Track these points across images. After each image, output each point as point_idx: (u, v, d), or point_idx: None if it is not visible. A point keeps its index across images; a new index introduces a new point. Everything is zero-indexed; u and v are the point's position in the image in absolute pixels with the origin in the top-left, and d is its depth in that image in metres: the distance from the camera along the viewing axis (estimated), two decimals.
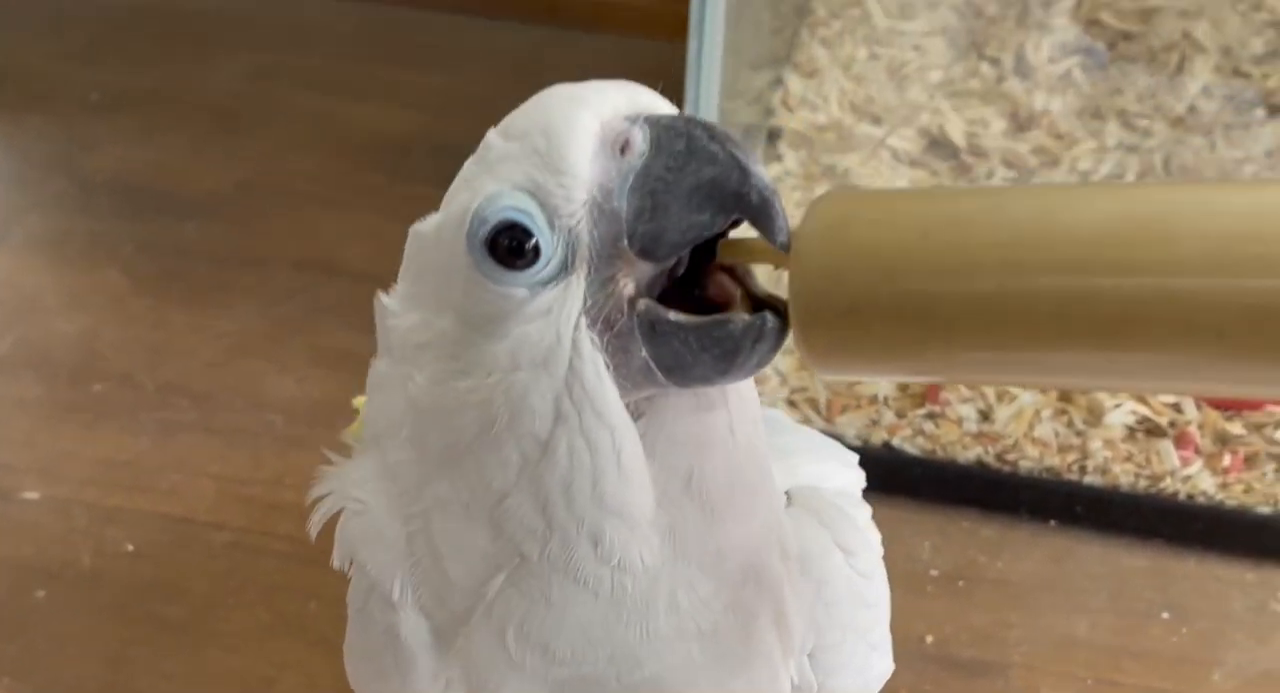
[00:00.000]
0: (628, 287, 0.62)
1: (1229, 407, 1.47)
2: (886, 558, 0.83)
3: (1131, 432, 1.46)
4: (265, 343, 1.68)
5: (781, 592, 0.73)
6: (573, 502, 0.63)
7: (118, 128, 2.10)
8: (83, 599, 1.32)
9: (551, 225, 0.61)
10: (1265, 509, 1.42)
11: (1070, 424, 1.47)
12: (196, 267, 1.81)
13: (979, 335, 0.55)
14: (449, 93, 2.25)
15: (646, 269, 0.62)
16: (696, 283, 0.63)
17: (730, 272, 0.63)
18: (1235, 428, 1.45)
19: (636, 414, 0.64)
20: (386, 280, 1.99)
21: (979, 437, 1.46)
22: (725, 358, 0.61)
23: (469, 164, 0.66)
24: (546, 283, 0.62)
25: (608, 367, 0.62)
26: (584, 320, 0.62)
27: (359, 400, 0.84)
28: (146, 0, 2.41)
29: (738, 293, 0.62)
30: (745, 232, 0.62)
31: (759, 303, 0.62)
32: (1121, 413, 1.46)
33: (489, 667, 0.69)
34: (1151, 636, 1.35)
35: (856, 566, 0.78)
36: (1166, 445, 1.44)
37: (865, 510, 0.87)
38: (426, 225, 0.68)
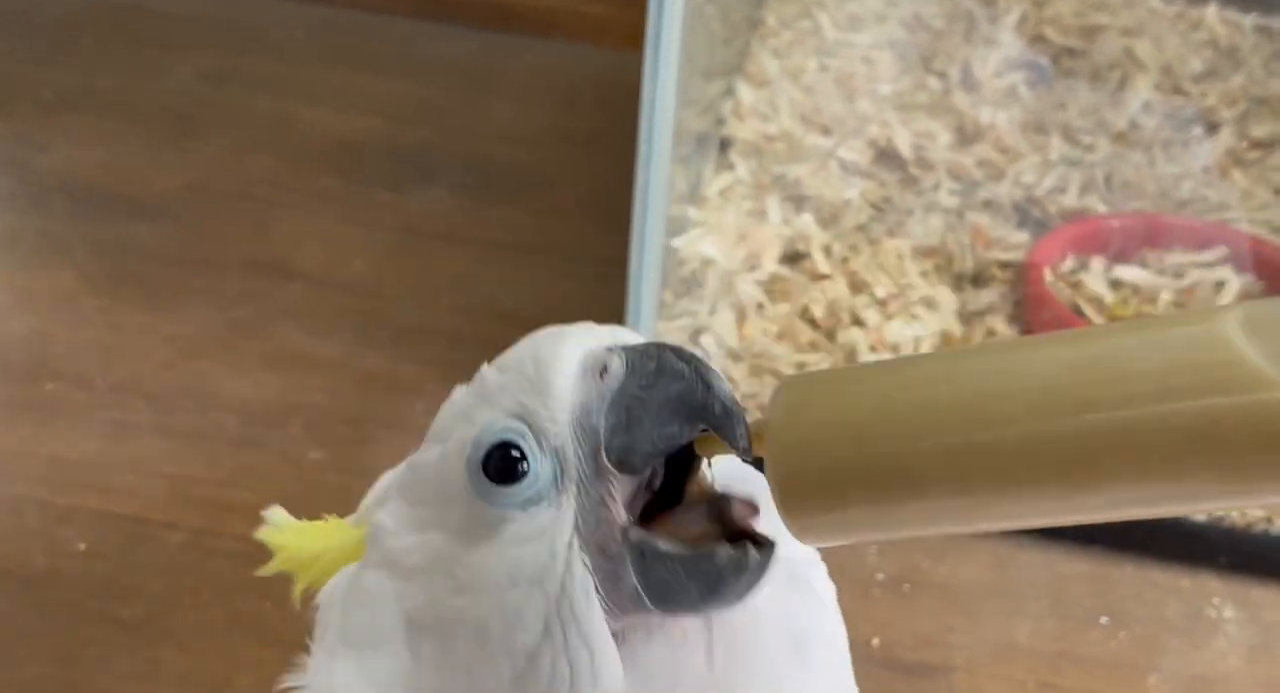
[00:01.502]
0: (619, 513, 0.65)
1: None
2: (834, 563, 0.85)
3: None
4: (218, 345, 1.68)
5: None
6: None
7: (71, 129, 2.09)
8: (35, 599, 1.32)
9: (540, 445, 0.65)
10: (1201, 518, 1.46)
11: None
12: (149, 268, 1.81)
13: (952, 488, 0.58)
14: (404, 97, 2.26)
15: (628, 484, 0.65)
16: (677, 502, 0.67)
17: (714, 500, 0.66)
18: None
19: (620, 640, 0.66)
20: (340, 283, 2.00)
21: None
22: (710, 588, 0.63)
23: (463, 397, 0.70)
24: (538, 502, 0.65)
25: (598, 590, 0.65)
26: (576, 541, 0.65)
27: (269, 535, 0.85)
28: (101, 1, 2.40)
29: (715, 527, 0.65)
30: None
31: (738, 532, 0.65)
32: None
33: None
34: (1090, 640, 1.38)
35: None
36: None
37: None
38: (428, 456, 0.71)
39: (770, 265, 1.65)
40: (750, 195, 1.80)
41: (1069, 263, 1.71)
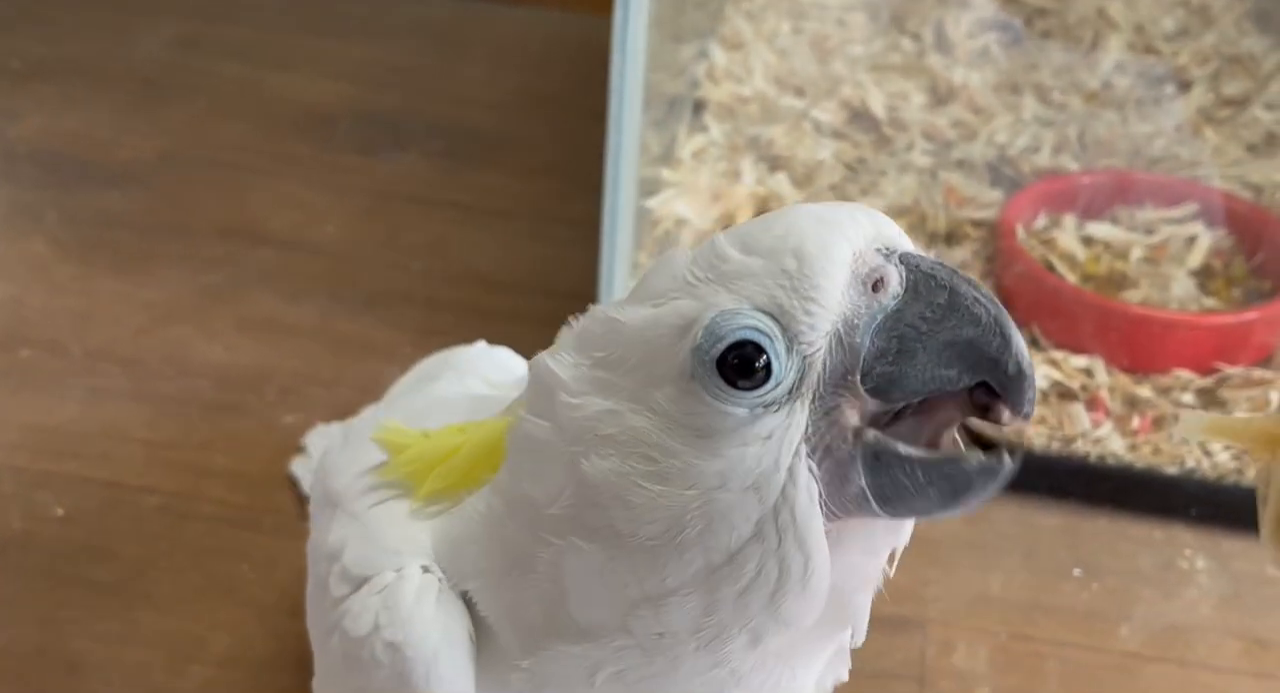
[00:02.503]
0: (853, 417, 0.61)
1: (1138, 370, 1.52)
2: None
3: (1044, 395, 1.50)
4: (192, 311, 1.67)
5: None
6: (746, 608, 0.63)
7: (40, 96, 2.08)
8: (13, 563, 1.31)
9: (789, 350, 0.60)
10: (1172, 470, 1.47)
11: None
12: (122, 235, 1.80)
13: None
14: (374, 63, 2.25)
15: (872, 404, 0.61)
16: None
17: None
18: (1144, 391, 1.50)
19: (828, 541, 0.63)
20: (312, 248, 1.99)
21: None
22: (952, 495, 0.61)
23: (688, 264, 0.64)
24: (769, 406, 0.60)
25: (820, 495, 0.61)
26: (804, 447, 0.61)
27: (390, 436, 0.81)
28: None
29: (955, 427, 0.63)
30: None
31: (974, 438, 0.62)
32: (1035, 377, 1.50)
33: (563, 685, 0.70)
34: (1063, 592, 1.39)
35: None
36: (1078, 408, 1.49)
37: None
38: (625, 314, 0.65)
39: None
40: (724, 157, 1.80)
41: (1041, 220, 1.71)
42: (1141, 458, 1.47)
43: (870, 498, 0.61)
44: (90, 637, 1.25)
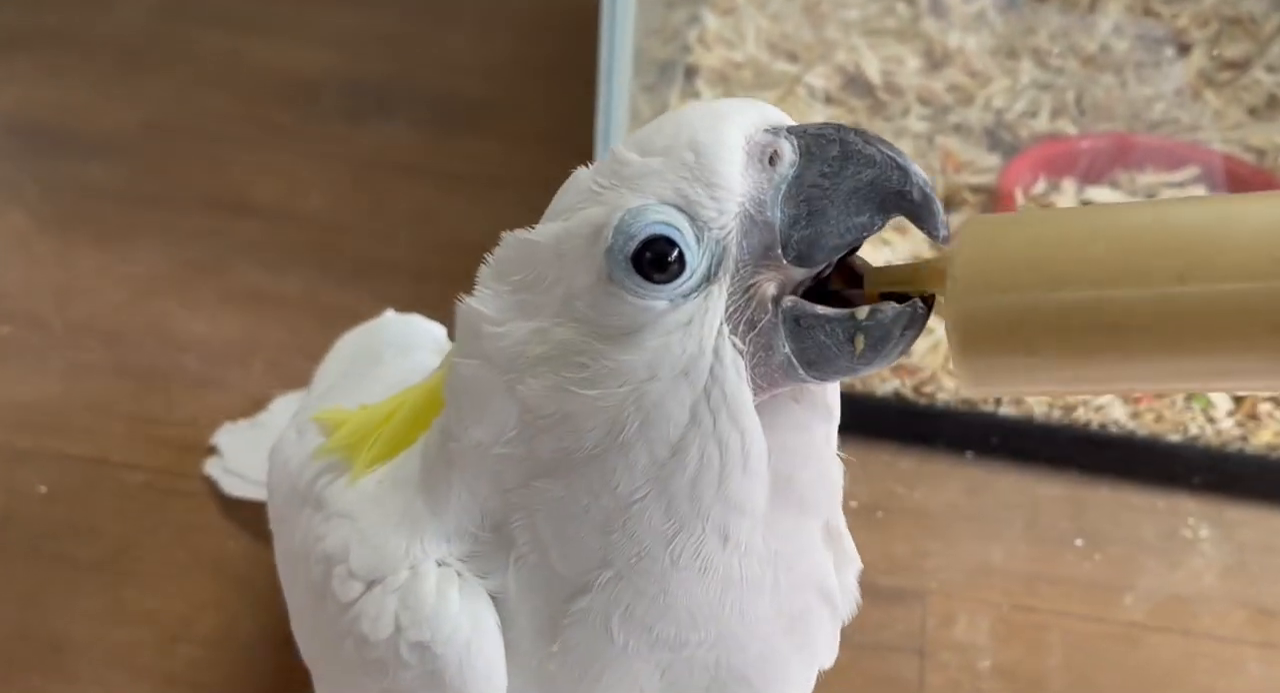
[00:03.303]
0: (769, 287, 0.63)
1: None
2: None
3: None
4: (175, 283, 1.64)
5: (831, 574, 0.77)
6: (699, 499, 0.64)
7: (18, 67, 2.04)
8: None
9: (699, 239, 0.62)
10: (1175, 438, 1.45)
11: None
12: (103, 207, 1.77)
13: (1154, 340, 0.55)
14: (358, 31, 2.21)
15: (795, 274, 0.63)
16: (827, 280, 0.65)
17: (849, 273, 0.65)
18: None
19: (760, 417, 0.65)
20: (298, 218, 1.96)
21: (896, 370, 1.48)
22: (874, 347, 0.62)
23: (591, 176, 0.65)
24: (687, 295, 0.62)
25: (747, 369, 0.63)
26: (725, 327, 0.62)
27: (327, 416, 0.82)
28: None
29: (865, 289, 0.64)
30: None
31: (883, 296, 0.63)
32: None
33: (591, 651, 0.70)
34: (1065, 562, 1.37)
35: None
36: None
37: None
38: (538, 235, 0.67)
39: None
40: None
41: (1040, 185, 1.69)
42: (1144, 426, 1.45)
43: (796, 363, 0.63)
44: (74, 616, 1.23)
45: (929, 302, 0.62)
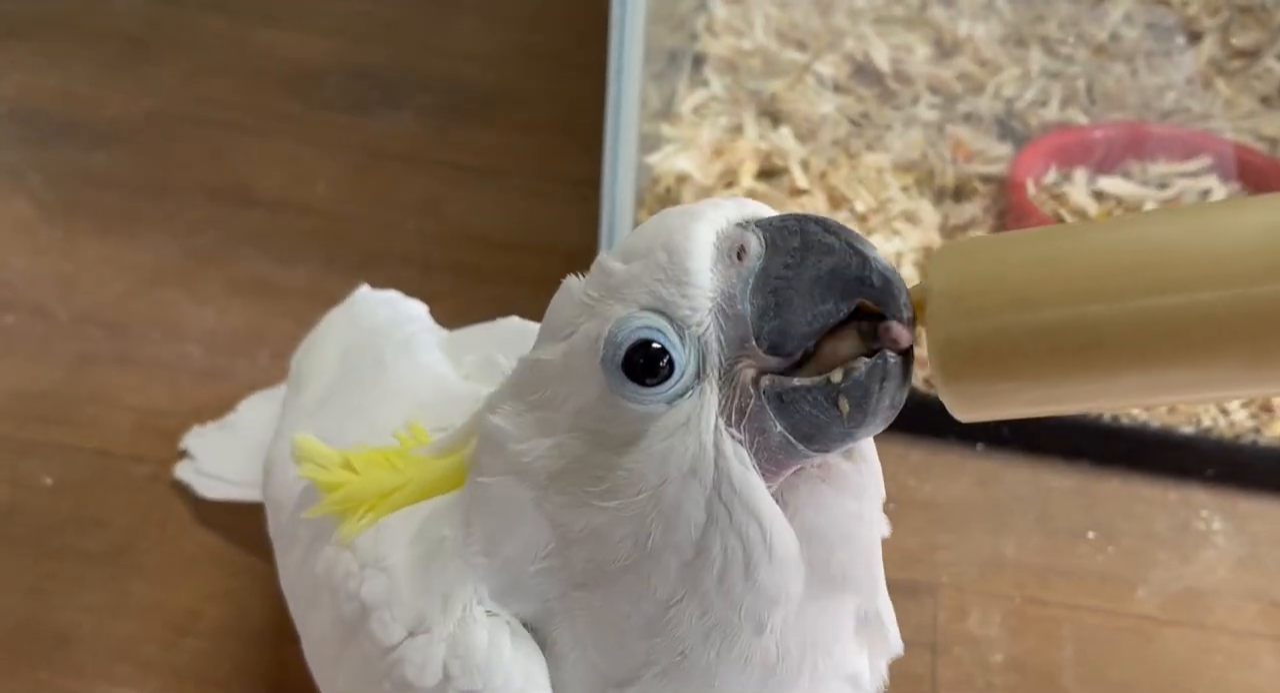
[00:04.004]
0: (748, 371, 0.63)
1: None
2: None
3: None
4: (180, 273, 1.63)
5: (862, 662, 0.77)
6: (730, 593, 0.65)
7: (21, 55, 2.03)
8: (1, 534, 1.28)
9: (682, 338, 0.63)
10: (1188, 429, 1.44)
11: None
12: (107, 196, 1.76)
13: (1129, 355, 0.56)
14: (362, 17, 2.20)
15: (770, 363, 0.63)
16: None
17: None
18: None
19: (781, 503, 0.65)
20: (303, 208, 1.95)
21: None
22: (858, 407, 0.62)
23: (582, 289, 0.67)
24: (682, 394, 0.63)
25: (751, 458, 0.63)
26: (721, 422, 0.63)
27: (319, 475, 0.81)
28: None
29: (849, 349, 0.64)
30: None
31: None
32: None
33: None
34: (1077, 555, 1.36)
35: None
36: None
37: None
38: (544, 353, 0.68)
39: (748, 181, 1.61)
40: (725, 111, 1.75)
41: (1052, 175, 1.67)
42: (1156, 418, 1.44)
43: (793, 440, 0.63)
44: (80, 608, 1.22)
45: (906, 352, 0.62)
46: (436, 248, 1.71)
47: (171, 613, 1.22)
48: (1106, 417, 1.44)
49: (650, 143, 1.61)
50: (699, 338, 0.63)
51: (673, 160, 1.61)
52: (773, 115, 1.74)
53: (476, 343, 0.97)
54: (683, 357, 0.63)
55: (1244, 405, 1.43)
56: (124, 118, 1.91)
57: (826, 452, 0.65)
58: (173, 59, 2.05)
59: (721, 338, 0.63)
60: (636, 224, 1.53)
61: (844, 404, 0.62)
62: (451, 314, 1.55)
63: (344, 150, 1.86)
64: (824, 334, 0.63)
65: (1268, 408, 1.43)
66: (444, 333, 1.05)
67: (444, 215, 1.77)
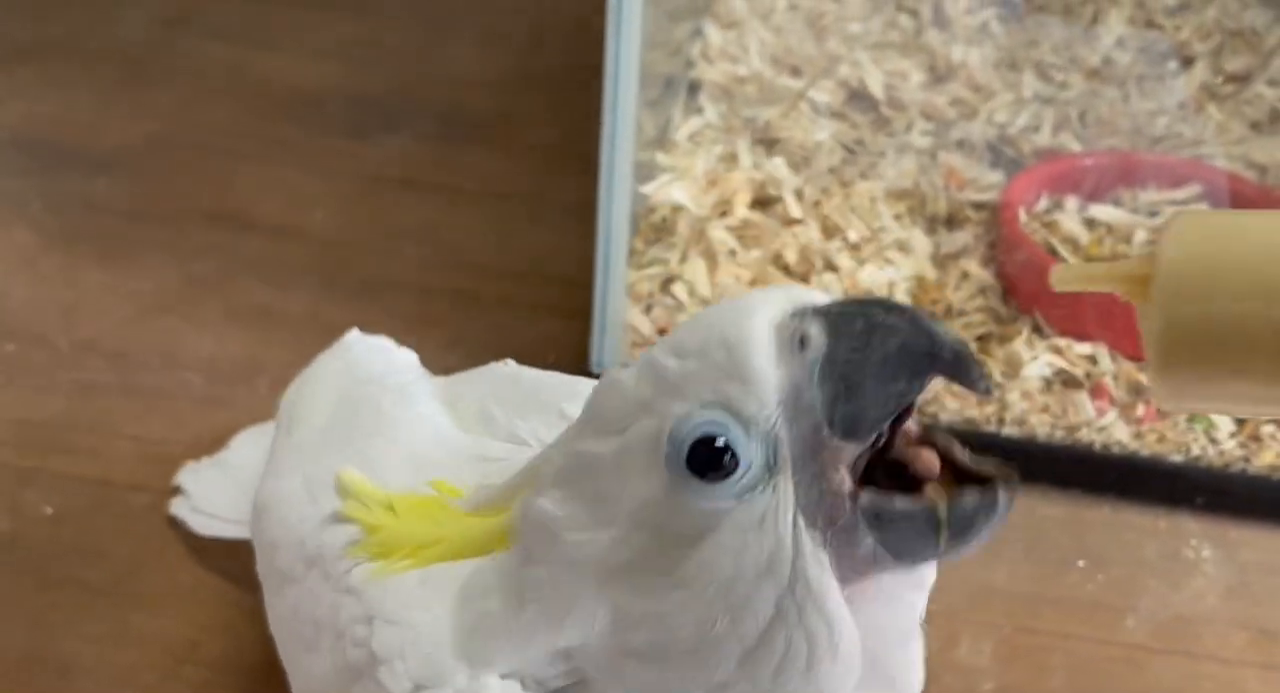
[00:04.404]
0: (844, 481, 0.63)
1: (1143, 357, 1.49)
2: None
3: (1048, 383, 1.49)
4: (181, 300, 1.65)
5: None
6: (785, 684, 0.65)
7: (20, 81, 2.05)
8: (1, 563, 1.29)
9: (748, 433, 0.63)
10: (1177, 458, 1.45)
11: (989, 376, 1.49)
12: (107, 223, 1.77)
13: None
14: (363, 42, 2.22)
15: (851, 451, 0.63)
16: (889, 448, 0.66)
17: (928, 442, 0.66)
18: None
19: (847, 599, 0.65)
20: (303, 234, 1.96)
21: None
22: (958, 536, 0.63)
23: (634, 384, 0.67)
24: (752, 489, 0.63)
25: (830, 562, 0.64)
26: (801, 520, 0.63)
27: (360, 514, 0.83)
28: None
29: (937, 465, 0.65)
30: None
31: (959, 472, 0.64)
32: (1039, 365, 1.48)
33: None
34: (1067, 583, 1.37)
35: None
36: (1082, 397, 1.47)
37: None
38: (597, 447, 0.68)
39: (741, 211, 1.62)
40: (720, 139, 1.77)
41: (1043, 203, 1.69)
42: (1146, 446, 1.45)
43: (884, 554, 0.64)
44: (81, 639, 1.23)
45: (1011, 491, 0.63)
46: (434, 274, 1.72)
47: (171, 643, 1.23)
48: (1097, 445, 1.46)
49: (645, 171, 1.63)
50: (766, 433, 0.63)
51: (668, 190, 1.62)
52: (767, 143, 1.76)
53: (468, 391, 0.96)
54: (747, 452, 0.63)
55: (1233, 434, 1.45)
56: (124, 144, 1.93)
57: (914, 566, 0.66)
58: (172, 85, 2.06)
59: (794, 431, 0.63)
60: (633, 253, 1.55)
61: (943, 534, 0.63)
62: (449, 339, 1.57)
63: (343, 176, 1.88)
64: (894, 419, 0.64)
65: (1256, 437, 1.44)
66: (436, 381, 1.05)
67: (441, 241, 1.78)
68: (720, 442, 0.62)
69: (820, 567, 0.63)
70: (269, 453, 1.09)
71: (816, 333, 0.63)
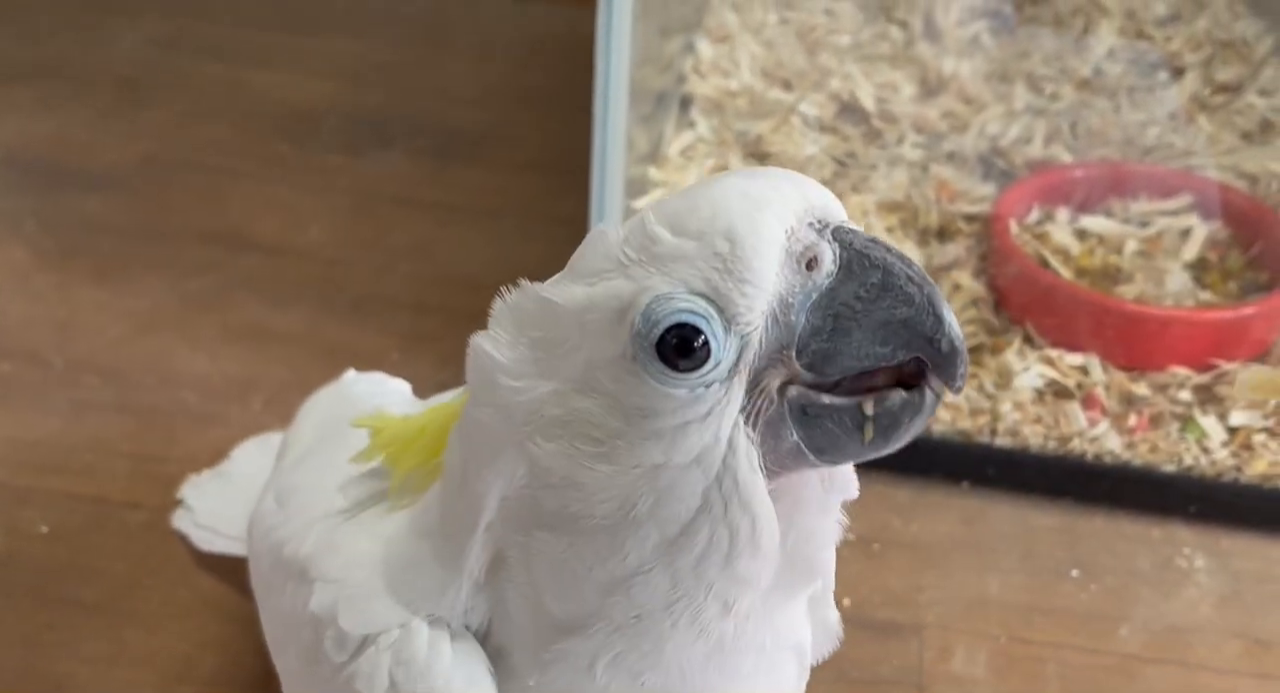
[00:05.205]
0: (777, 379, 0.63)
1: (1135, 367, 1.50)
2: None
3: (1040, 394, 1.49)
4: (175, 319, 1.65)
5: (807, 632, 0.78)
6: (704, 575, 0.65)
7: (15, 100, 2.06)
8: None
9: (727, 331, 0.61)
10: (1169, 468, 1.45)
11: (981, 388, 1.50)
12: (102, 242, 1.78)
13: None
14: (356, 59, 2.23)
15: (802, 376, 0.62)
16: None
17: None
18: (1140, 389, 1.49)
19: (773, 499, 0.64)
20: (297, 252, 1.96)
21: None
22: (883, 434, 0.62)
23: (619, 244, 0.64)
24: (707, 384, 0.61)
25: (759, 458, 0.63)
26: (740, 418, 0.62)
27: (368, 422, 0.83)
28: None
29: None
30: None
31: (899, 378, 0.63)
32: (1030, 376, 1.49)
33: (570, 689, 0.71)
34: (1061, 593, 1.37)
35: None
36: (1074, 407, 1.47)
37: None
38: (560, 294, 0.65)
39: None
40: (712, 153, 1.77)
41: (1034, 214, 1.70)
42: (1138, 456, 1.46)
43: (805, 450, 0.63)
44: (77, 657, 1.23)
45: (938, 390, 0.62)
46: (428, 290, 1.73)
47: (168, 661, 1.23)
48: (1090, 455, 1.46)
49: (638, 186, 1.63)
50: (743, 336, 0.61)
51: None
52: (759, 157, 1.76)
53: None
54: (721, 350, 0.61)
55: (1225, 444, 1.45)
56: (119, 163, 1.94)
57: (834, 465, 0.65)
58: (167, 103, 2.08)
59: (764, 340, 0.62)
60: None
61: (869, 430, 0.62)
62: (444, 355, 1.58)
63: (337, 193, 1.89)
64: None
65: (1248, 446, 1.44)
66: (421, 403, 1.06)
67: (435, 257, 1.79)
68: (699, 334, 0.60)
69: (750, 464, 0.62)
70: (270, 474, 1.10)
71: (829, 261, 0.61)
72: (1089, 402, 1.48)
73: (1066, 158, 1.80)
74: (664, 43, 1.88)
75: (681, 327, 0.60)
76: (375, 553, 0.77)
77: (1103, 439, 1.46)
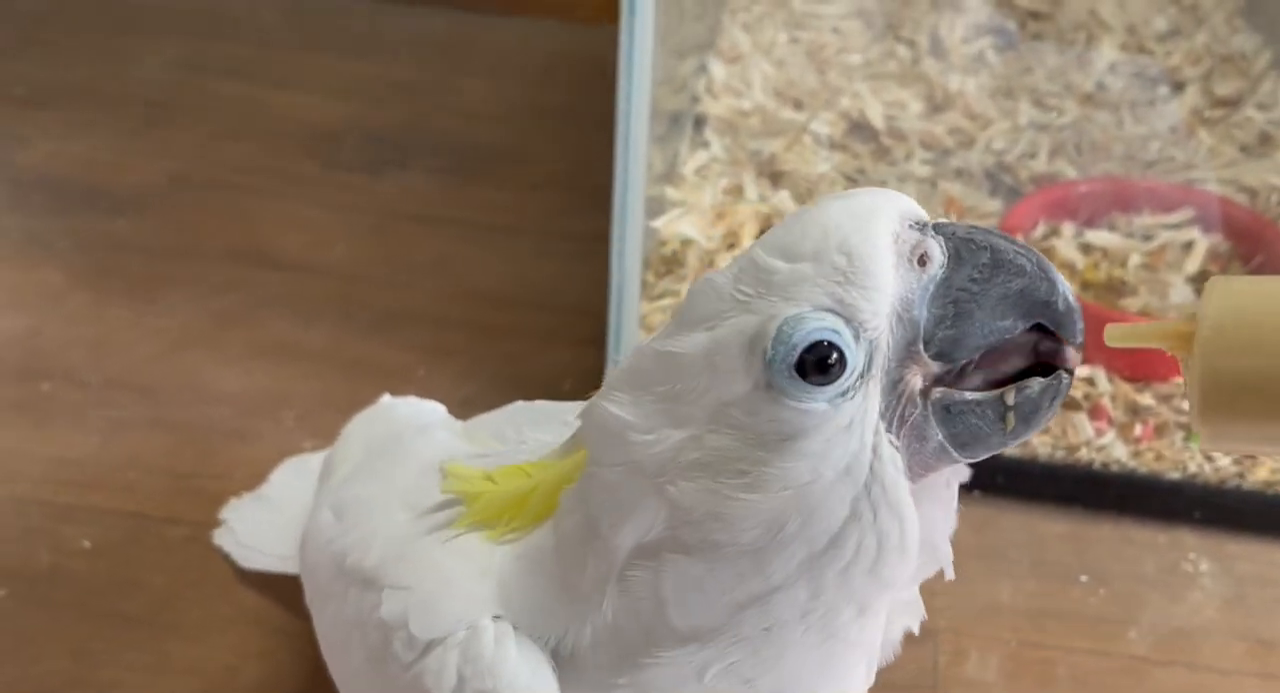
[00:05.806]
0: (917, 381, 0.66)
1: (1140, 378, 1.54)
2: None
3: None
4: (206, 336, 1.69)
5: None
6: (849, 582, 0.67)
7: (46, 123, 2.10)
8: (43, 597, 1.34)
9: (856, 339, 0.64)
10: (1175, 475, 1.49)
11: None
12: (132, 261, 1.82)
13: None
14: (375, 79, 2.27)
15: (934, 368, 0.66)
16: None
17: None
18: (1145, 399, 1.52)
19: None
20: (323, 269, 2.00)
21: None
22: (1024, 421, 0.66)
23: (732, 284, 0.67)
24: (845, 394, 0.64)
25: (903, 462, 0.66)
26: (881, 424, 0.65)
27: (459, 485, 0.85)
28: None
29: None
30: None
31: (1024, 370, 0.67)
32: None
33: (667, 688, 0.73)
34: (1071, 598, 1.41)
35: None
36: (1081, 418, 1.51)
37: None
38: (680, 345, 0.68)
39: (749, 243, 1.67)
40: (726, 172, 1.81)
41: (1040, 229, 1.74)
42: (1144, 464, 1.50)
43: (949, 447, 0.66)
44: (122, 668, 1.27)
45: (1071, 373, 0.66)
46: (450, 306, 1.77)
47: (210, 672, 1.27)
48: (1097, 464, 1.50)
49: (655, 206, 1.67)
50: (871, 341, 0.64)
51: (677, 225, 1.67)
52: (772, 175, 1.80)
53: (486, 421, 1.00)
54: (854, 356, 0.64)
55: (1228, 452, 1.49)
56: (146, 183, 1.98)
57: (974, 459, 0.67)
58: (192, 124, 2.11)
59: (891, 341, 0.65)
60: (645, 286, 1.59)
61: (1010, 419, 0.65)
62: (465, 370, 1.62)
63: (360, 212, 1.93)
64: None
65: (1250, 454, 1.48)
66: (460, 424, 1.09)
67: (456, 274, 1.83)
68: (833, 349, 0.63)
69: (896, 468, 0.65)
70: (315, 494, 1.13)
71: (939, 253, 0.64)
72: (1096, 412, 1.52)
73: (1071, 172, 1.84)
74: (678, 64, 1.92)
75: (816, 345, 0.63)
76: (448, 565, 0.80)
77: (1109, 448, 1.50)
